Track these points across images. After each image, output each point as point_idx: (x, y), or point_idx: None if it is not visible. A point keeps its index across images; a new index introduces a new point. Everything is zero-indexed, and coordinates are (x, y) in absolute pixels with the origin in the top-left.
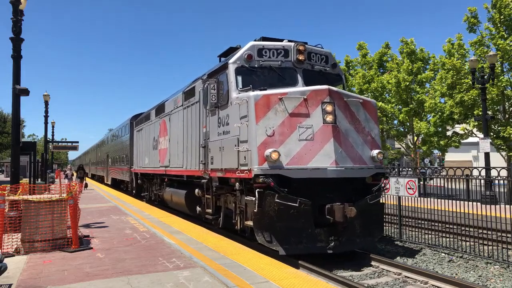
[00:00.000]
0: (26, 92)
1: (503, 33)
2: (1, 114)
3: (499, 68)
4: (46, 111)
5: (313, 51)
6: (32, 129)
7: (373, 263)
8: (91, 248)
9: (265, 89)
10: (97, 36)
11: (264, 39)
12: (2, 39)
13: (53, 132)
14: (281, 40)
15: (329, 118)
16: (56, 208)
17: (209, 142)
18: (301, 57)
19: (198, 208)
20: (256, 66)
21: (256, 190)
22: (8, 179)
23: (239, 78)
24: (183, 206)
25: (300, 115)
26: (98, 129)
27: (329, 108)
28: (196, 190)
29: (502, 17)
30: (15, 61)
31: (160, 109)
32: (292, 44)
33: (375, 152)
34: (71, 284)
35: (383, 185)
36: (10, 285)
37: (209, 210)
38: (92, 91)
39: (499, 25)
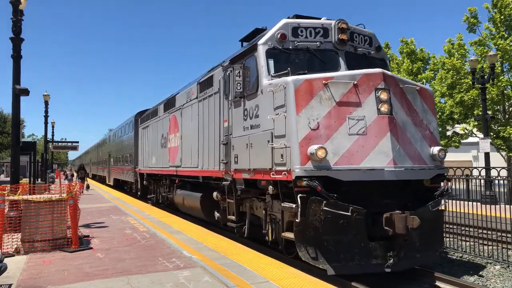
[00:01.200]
0: (26, 92)
1: (503, 33)
2: (1, 114)
3: (499, 68)
4: (46, 111)
5: (356, 31)
6: (32, 129)
7: (439, 283)
8: (91, 248)
9: (305, 73)
10: (97, 35)
11: (297, 17)
12: (2, 39)
13: (53, 132)
14: (318, 19)
15: (385, 107)
16: (56, 208)
17: (232, 139)
18: (343, 37)
19: (216, 214)
20: (290, 47)
21: (298, 196)
22: (8, 179)
23: (271, 62)
24: (197, 211)
25: (350, 104)
26: (98, 129)
27: (384, 95)
28: (215, 194)
29: (502, 17)
30: (15, 61)
31: (169, 103)
32: (333, 22)
33: (435, 149)
34: (71, 284)
35: (446, 188)
36: (10, 285)
37: (232, 217)
38: (92, 91)
39: (499, 25)
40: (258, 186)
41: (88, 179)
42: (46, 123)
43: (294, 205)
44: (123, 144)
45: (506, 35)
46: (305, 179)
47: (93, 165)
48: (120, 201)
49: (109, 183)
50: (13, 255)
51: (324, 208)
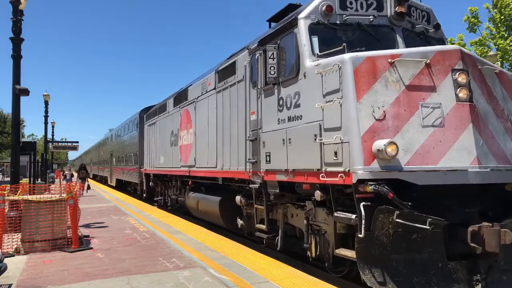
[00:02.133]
0: (26, 92)
1: (504, 33)
2: (1, 114)
3: None
4: (46, 111)
5: (413, 5)
6: (32, 129)
7: None
8: (91, 248)
9: (362, 50)
10: (98, 35)
11: None
12: (2, 39)
13: (53, 132)
14: None
15: (464, 93)
16: (56, 208)
17: (262, 134)
18: (401, 10)
19: (239, 221)
20: (337, 22)
21: (361, 204)
22: (8, 179)
23: (315, 40)
24: (215, 217)
25: (422, 88)
26: (98, 129)
27: (462, 78)
28: (238, 198)
29: (502, 17)
30: (15, 61)
31: (180, 96)
32: None
33: None
34: (71, 284)
35: None
36: (10, 285)
37: (262, 226)
38: (92, 91)
39: (499, 25)
40: (297, 190)
41: (89, 179)
42: (46, 123)
43: (353, 216)
44: (127, 142)
45: (506, 35)
46: (371, 183)
47: (94, 165)
48: (126, 204)
49: (111, 184)
50: (13, 255)
51: (397, 220)
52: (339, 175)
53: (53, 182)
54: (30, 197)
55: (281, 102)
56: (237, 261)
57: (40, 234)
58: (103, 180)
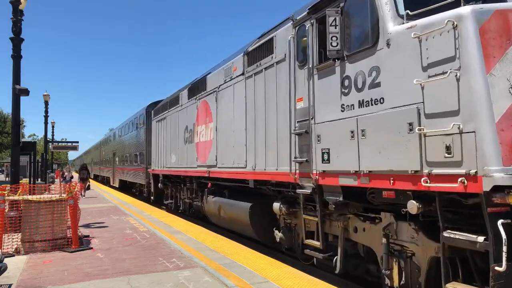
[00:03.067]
0: (26, 92)
1: None
2: (1, 114)
3: None
4: (46, 111)
5: None
6: (32, 129)
7: None
8: (91, 248)
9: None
10: (97, 35)
11: None
12: (2, 39)
13: (53, 132)
14: None
15: None
16: (56, 208)
17: (317, 125)
18: None
19: (277, 234)
20: None
21: (499, 223)
22: (8, 179)
23: None
24: (244, 226)
25: None
26: (98, 129)
27: None
28: (277, 205)
29: None
30: (15, 61)
31: (197, 87)
32: None
33: None
34: (71, 284)
35: None
36: (10, 285)
37: (315, 242)
38: (92, 91)
39: None
40: (370, 199)
41: (90, 179)
42: (46, 123)
43: (479, 238)
44: (131, 141)
45: None
46: None
47: (95, 165)
48: (127, 205)
49: (114, 185)
50: (13, 255)
51: None
52: (459, 180)
53: (53, 182)
54: (30, 197)
55: (346, 82)
56: (237, 261)
57: (40, 234)
58: (104, 181)
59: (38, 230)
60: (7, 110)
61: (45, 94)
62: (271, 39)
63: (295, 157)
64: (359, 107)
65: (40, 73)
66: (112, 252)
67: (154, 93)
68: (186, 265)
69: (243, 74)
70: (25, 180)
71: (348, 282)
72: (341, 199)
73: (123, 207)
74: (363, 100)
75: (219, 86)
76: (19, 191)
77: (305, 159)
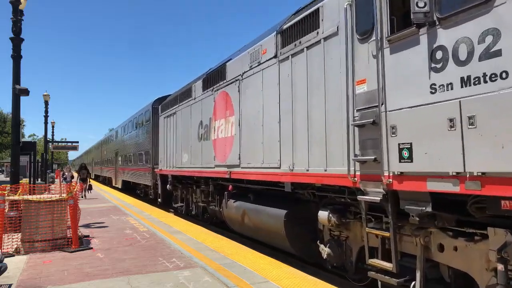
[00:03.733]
0: (26, 92)
1: None
2: (1, 114)
3: None
4: (46, 111)
5: None
6: (32, 129)
7: None
8: (91, 248)
9: None
10: (98, 35)
11: None
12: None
13: (53, 132)
14: None
15: None
16: (56, 208)
17: (391, 113)
18: None
19: (324, 249)
20: None
21: None
22: (8, 179)
23: None
24: (278, 237)
25: None
26: (98, 129)
27: None
28: (324, 214)
29: None
30: (15, 61)
31: (214, 76)
32: None
33: None
34: (71, 284)
35: None
36: (10, 285)
37: (386, 264)
38: (92, 91)
39: None
40: (477, 211)
41: (90, 179)
42: (46, 123)
43: None
44: (136, 139)
45: None
46: None
47: (96, 165)
48: (127, 205)
49: (116, 186)
50: (13, 255)
51: None
52: None
53: (53, 182)
54: (30, 197)
55: (438, 55)
56: (237, 261)
57: (40, 234)
58: (106, 181)
59: (38, 230)
60: (7, 110)
61: (45, 94)
62: (316, 11)
63: (356, 155)
64: (462, 86)
65: (40, 73)
66: (112, 252)
67: (154, 93)
68: (186, 265)
69: (275, 56)
70: (25, 180)
71: (348, 282)
72: (429, 209)
73: (123, 207)
74: (469, 76)
75: (243, 73)
76: (19, 191)
77: (372, 157)
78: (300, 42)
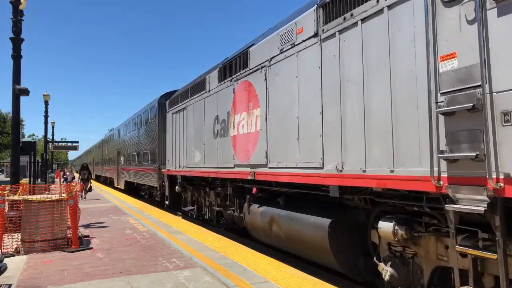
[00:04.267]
0: (26, 92)
1: None
2: (1, 114)
3: None
4: (46, 111)
5: None
6: (32, 129)
7: None
8: (91, 248)
9: None
10: (97, 35)
11: None
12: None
13: (53, 132)
14: None
15: None
16: (56, 208)
17: (503, 96)
18: None
19: (386, 269)
20: None
21: None
22: (8, 179)
23: None
24: (319, 249)
25: None
26: (99, 129)
27: None
28: (389, 226)
29: None
30: (15, 61)
31: (233, 65)
32: None
33: None
34: (71, 284)
35: None
36: (10, 285)
37: None
38: (92, 91)
39: None
40: None
41: (91, 180)
42: (46, 123)
43: None
44: (140, 138)
45: None
46: None
47: (97, 165)
48: (129, 206)
49: (119, 186)
50: (13, 255)
51: None
52: None
53: (53, 182)
54: (30, 197)
55: None
56: (237, 261)
57: (40, 234)
58: (107, 182)
59: (38, 230)
60: (6, 109)
61: (45, 94)
62: None
63: (442, 152)
64: None
65: (41, 73)
66: (112, 252)
67: (155, 94)
68: (186, 265)
69: (315, 35)
70: (25, 180)
71: (349, 283)
72: None
73: (123, 207)
74: None
75: (271, 58)
76: (19, 191)
77: (470, 154)
78: (351, 15)
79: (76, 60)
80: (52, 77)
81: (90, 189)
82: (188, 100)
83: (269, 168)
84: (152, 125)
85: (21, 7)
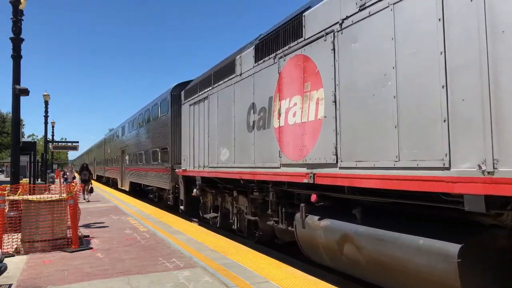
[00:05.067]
0: (26, 92)
1: None
2: (1, 114)
3: None
4: (46, 111)
5: None
6: (32, 129)
7: None
8: (91, 248)
9: None
10: (98, 35)
11: None
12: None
13: (53, 132)
14: None
15: None
16: (56, 208)
17: None
18: None
19: None
20: None
21: None
22: (8, 179)
23: None
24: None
25: None
26: (99, 129)
27: None
28: None
29: None
30: (15, 61)
31: (277, 39)
32: None
33: None
34: (71, 284)
35: None
36: (10, 285)
37: None
38: (93, 92)
39: None
40: None
41: (92, 181)
42: (46, 123)
43: None
44: (149, 134)
45: None
46: None
47: (99, 165)
48: (128, 205)
49: (123, 188)
50: (13, 255)
51: None
52: None
53: (53, 182)
54: (30, 197)
55: None
56: (237, 261)
57: (40, 234)
58: (110, 182)
59: (38, 230)
60: (6, 109)
61: (45, 94)
62: None
63: None
64: None
65: (41, 73)
66: (112, 252)
67: (153, 94)
68: (186, 265)
69: None
70: (25, 180)
71: (349, 282)
72: None
73: (123, 206)
74: None
75: (343, 20)
76: (19, 191)
77: None
78: None
79: (77, 60)
80: (52, 77)
81: (91, 190)
82: (210, 88)
83: (341, 168)
84: (163, 120)
85: (21, 7)
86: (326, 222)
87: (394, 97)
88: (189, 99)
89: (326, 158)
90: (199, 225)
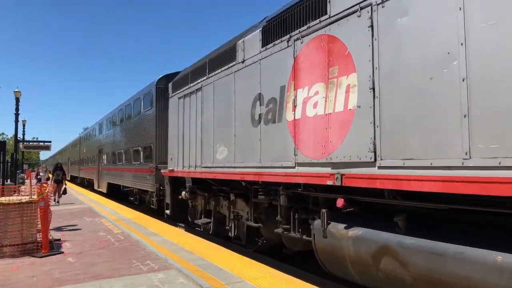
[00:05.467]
0: None
1: None
2: None
3: None
4: (17, 109)
5: None
6: (2, 128)
7: None
8: (62, 252)
9: None
10: (74, 31)
11: None
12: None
13: (23, 131)
14: None
15: None
16: (26, 210)
17: None
18: None
19: None
20: None
21: None
22: None
23: None
24: None
25: None
26: (73, 128)
27: None
28: None
29: None
30: None
31: (291, 18)
32: None
33: None
34: None
35: None
36: None
37: None
38: (66, 89)
39: None
40: None
41: (66, 182)
42: (16, 121)
43: None
44: (130, 132)
45: None
46: None
47: (73, 165)
48: (101, 206)
49: (100, 189)
50: None
51: None
52: None
53: (23, 183)
54: None
55: None
56: (213, 262)
57: (9, 238)
58: (85, 183)
59: (6, 234)
60: None
61: (16, 90)
62: None
63: None
64: None
65: (14, 71)
66: (84, 256)
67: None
68: (160, 267)
69: None
70: None
71: (325, 280)
72: None
73: (96, 208)
74: None
75: None
76: None
77: None
78: None
79: (52, 56)
80: (27, 74)
81: (65, 192)
82: (205, 78)
83: (381, 168)
84: (146, 116)
85: None
86: (356, 231)
87: (463, 80)
88: (179, 91)
89: (359, 156)
90: (186, 230)
